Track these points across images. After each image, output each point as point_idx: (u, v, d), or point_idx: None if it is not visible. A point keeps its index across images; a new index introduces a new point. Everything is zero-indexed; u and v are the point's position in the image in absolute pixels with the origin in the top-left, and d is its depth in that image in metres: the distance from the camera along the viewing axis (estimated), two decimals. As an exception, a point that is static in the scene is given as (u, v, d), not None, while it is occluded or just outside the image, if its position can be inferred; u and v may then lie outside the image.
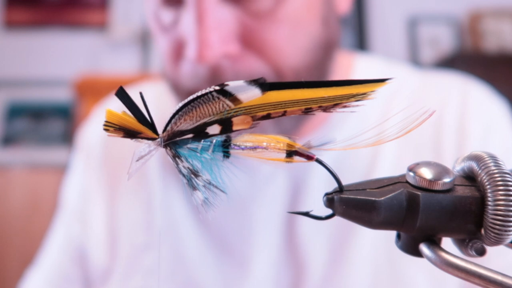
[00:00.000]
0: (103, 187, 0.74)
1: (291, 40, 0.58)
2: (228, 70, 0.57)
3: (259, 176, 0.67)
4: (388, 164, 0.65)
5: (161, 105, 0.71)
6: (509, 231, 0.25)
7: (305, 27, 0.59)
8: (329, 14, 0.63)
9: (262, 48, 0.57)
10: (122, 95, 0.26)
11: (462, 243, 0.28)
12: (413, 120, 0.27)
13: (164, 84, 0.81)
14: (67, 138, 2.46)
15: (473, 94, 0.70)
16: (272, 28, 0.57)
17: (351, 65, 0.73)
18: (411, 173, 0.27)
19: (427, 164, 0.27)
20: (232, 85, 0.26)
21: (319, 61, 0.62)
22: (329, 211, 0.27)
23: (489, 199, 0.26)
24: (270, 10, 0.57)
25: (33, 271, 0.76)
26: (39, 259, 0.77)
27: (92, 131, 0.80)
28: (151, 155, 0.28)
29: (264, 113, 0.27)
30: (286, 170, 0.66)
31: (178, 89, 0.63)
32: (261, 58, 0.58)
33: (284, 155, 0.27)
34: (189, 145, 0.28)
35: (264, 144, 0.27)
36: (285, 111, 0.27)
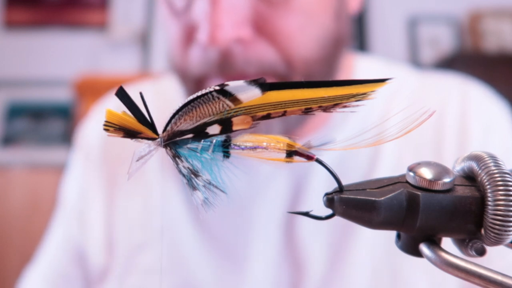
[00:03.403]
0: (102, 186, 0.74)
1: (304, 30, 0.58)
2: (238, 55, 0.57)
3: (260, 176, 0.67)
4: (389, 164, 0.65)
5: (160, 104, 0.71)
6: (509, 231, 0.25)
7: (318, 19, 0.59)
8: (341, 10, 0.63)
9: (274, 35, 0.57)
10: (122, 95, 0.26)
11: (462, 243, 0.28)
12: (413, 120, 0.27)
13: (162, 84, 0.81)
14: (67, 138, 2.45)
15: (473, 95, 0.70)
16: (285, 16, 0.57)
17: (352, 65, 0.73)
18: (411, 173, 0.27)
19: (427, 164, 0.27)
20: (232, 85, 0.26)
21: (329, 56, 0.62)
22: (329, 211, 0.27)
23: (489, 199, 0.26)
24: None
25: (31, 270, 0.76)
26: (38, 257, 0.77)
27: (91, 129, 0.80)
28: (151, 155, 0.28)
29: (264, 113, 0.27)
30: (287, 170, 0.66)
31: (186, 76, 0.62)
32: (273, 46, 0.58)
33: (284, 155, 0.27)
34: (189, 145, 0.28)
35: (264, 144, 0.27)
36: (285, 111, 0.27)
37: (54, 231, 0.77)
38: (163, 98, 0.75)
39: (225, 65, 0.57)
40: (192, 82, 0.61)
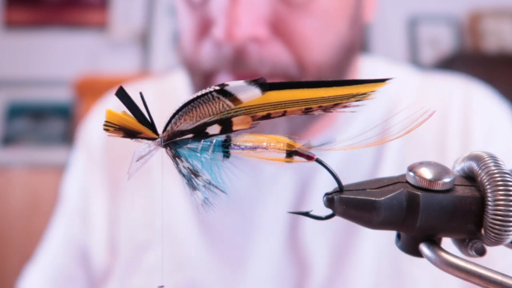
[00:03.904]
0: (104, 185, 0.74)
1: (319, 34, 0.58)
2: (253, 54, 0.57)
3: (265, 176, 0.67)
4: (392, 165, 0.66)
5: (163, 102, 0.71)
6: (509, 231, 0.25)
7: (335, 25, 0.60)
8: (357, 18, 0.64)
9: (290, 37, 0.57)
10: (122, 95, 0.26)
11: (462, 243, 0.28)
12: (414, 120, 0.27)
13: (165, 82, 0.81)
14: (67, 138, 2.45)
15: (476, 96, 0.71)
16: (303, 19, 0.57)
17: (357, 66, 0.73)
18: (411, 173, 0.27)
19: (427, 164, 0.27)
20: (232, 85, 0.26)
21: (341, 62, 0.62)
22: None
23: (489, 199, 0.26)
24: (304, 1, 0.57)
25: (31, 268, 0.76)
26: (38, 256, 0.77)
27: (93, 128, 0.80)
28: (151, 155, 0.28)
29: (264, 113, 0.27)
30: (291, 170, 0.66)
31: (195, 70, 0.62)
32: (287, 48, 0.58)
33: (284, 155, 0.27)
34: (189, 145, 0.28)
35: (264, 144, 0.27)
36: (285, 111, 0.27)
37: (54, 230, 0.77)
38: (167, 97, 0.75)
39: (238, 63, 0.57)
40: (201, 76, 0.61)
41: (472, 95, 0.71)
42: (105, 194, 0.74)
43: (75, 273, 0.73)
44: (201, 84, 0.61)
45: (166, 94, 0.77)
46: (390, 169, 0.65)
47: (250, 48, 0.56)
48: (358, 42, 0.66)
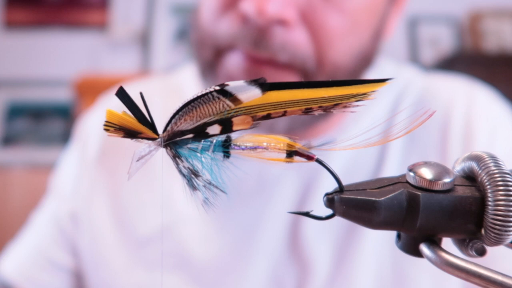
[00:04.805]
0: (100, 180, 0.74)
1: (345, 35, 0.58)
2: (277, 37, 0.56)
3: (268, 177, 0.67)
4: (395, 166, 0.66)
5: (168, 101, 0.71)
6: (509, 231, 0.25)
7: (360, 30, 0.60)
8: (379, 32, 0.64)
9: (317, 29, 0.57)
10: (122, 95, 0.26)
11: (462, 243, 0.28)
12: (414, 120, 0.27)
13: (170, 80, 0.81)
14: (67, 138, 2.45)
15: (479, 97, 0.71)
16: (333, 14, 0.57)
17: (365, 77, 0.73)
18: (411, 173, 0.27)
19: (427, 164, 0.27)
20: (232, 85, 0.26)
21: (356, 70, 0.62)
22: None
23: (489, 199, 0.26)
24: None
25: (13, 248, 0.76)
26: (21, 237, 0.77)
27: (92, 122, 0.80)
28: (151, 155, 0.28)
29: (264, 113, 0.27)
30: (295, 171, 0.66)
31: (208, 43, 0.61)
32: (312, 39, 0.57)
33: (284, 155, 0.27)
34: (189, 145, 0.28)
35: (264, 144, 0.27)
36: (285, 111, 0.27)
37: (42, 214, 0.77)
38: (174, 94, 0.75)
39: (259, 43, 0.56)
40: (213, 50, 0.60)
41: (475, 96, 0.71)
42: (102, 189, 0.73)
43: (60, 259, 0.73)
44: (210, 60, 0.60)
45: (173, 91, 0.77)
46: (393, 169, 0.65)
47: (275, 31, 0.55)
48: (374, 56, 0.65)
